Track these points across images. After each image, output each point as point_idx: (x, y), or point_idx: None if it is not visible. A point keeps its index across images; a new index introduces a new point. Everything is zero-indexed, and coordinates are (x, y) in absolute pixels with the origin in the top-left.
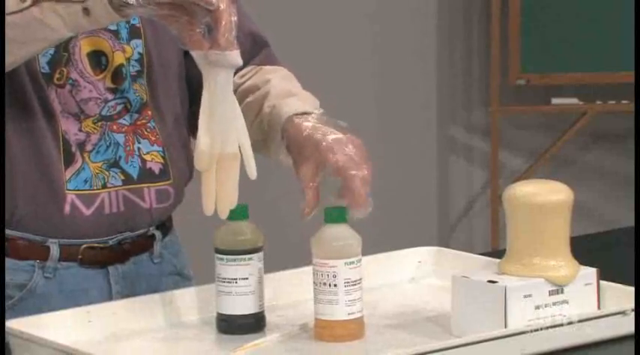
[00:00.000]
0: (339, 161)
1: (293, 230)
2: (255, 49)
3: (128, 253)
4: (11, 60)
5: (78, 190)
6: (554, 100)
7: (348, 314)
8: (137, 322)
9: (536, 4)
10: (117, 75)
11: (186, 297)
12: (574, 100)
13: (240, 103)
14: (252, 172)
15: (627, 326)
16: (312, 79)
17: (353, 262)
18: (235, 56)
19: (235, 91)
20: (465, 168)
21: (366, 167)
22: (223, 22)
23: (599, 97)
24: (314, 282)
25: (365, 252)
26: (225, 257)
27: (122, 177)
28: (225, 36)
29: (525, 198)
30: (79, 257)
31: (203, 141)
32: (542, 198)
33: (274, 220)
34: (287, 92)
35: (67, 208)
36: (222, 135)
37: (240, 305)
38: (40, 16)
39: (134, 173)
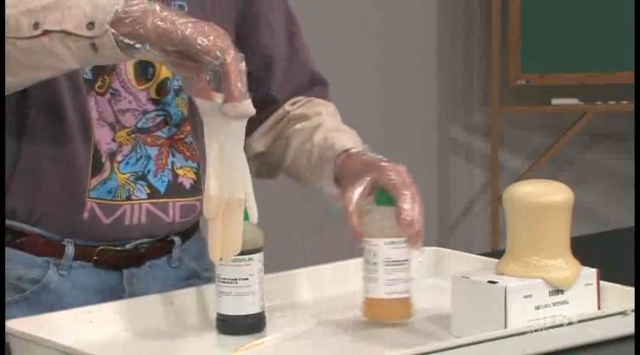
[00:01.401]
0: (396, 179)
1: (293, 230)
2: (312, 84)
3: (144, 257)
4: (18, 81)
5: (100, 199)
6: (554, 101)
7: (388, 293)
8: (137, 322)
9: (536, 4)
10: (162, 87)
11: (186, 297)
12: (574, 100)
13: (287, 129)
14: (254, 218)
15: (627, 326)
16: None
17: (394, 242)
18: (248, 105)
19: (281, 119)
20: (465, 169)
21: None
22: (232, 75)
23: (599, 97)
24: (363, 260)
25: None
26: None
27: (148, 191)
28: (237, 87)
29: (525, 198)
30: (95, 258)
31: (213, 187)
32: (543, 198)
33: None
34: (338, 128)
35: (86, 215)
36: (231, 183)
37: (240, 306)
38: (50, 46)
39: (161, 187)
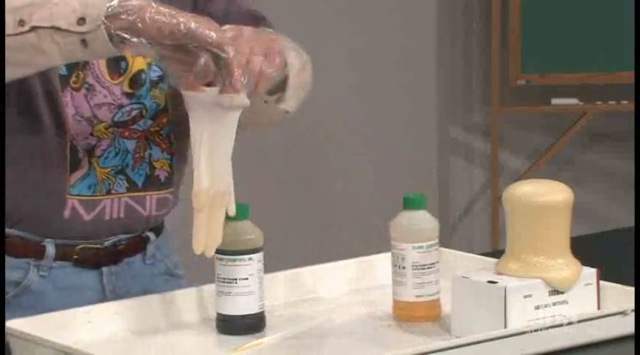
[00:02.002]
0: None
1: (293, 230)
2: (254, 26)
3: (122, 254)
4: (7, 77)
5: (80, 196)
6: (554, 100)
7: (416, 296)
8: (137, 322)
9: (536, 4)
10: (135, 80)
11: (186, 297)
12: (574, 100)
13: None
14: (232, 210)
15: (627, 326)
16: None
17: (422, 247)
18: (244, 98)
19: None
20: (465, 169)
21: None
22: (236, 69)
23: (599, 97)
24: (391, 264)
25: (365, 252)
26: (225, 257)
27: (126, 185)
28: (239, 80)
29: (525, 198)
30: (75, 257)
31: (203, 180)
32: (542, 198)
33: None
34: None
35: (67, 213)
36: (221, 174)
37: (240, 306)
38: (37, 43)
39: (139, 180)
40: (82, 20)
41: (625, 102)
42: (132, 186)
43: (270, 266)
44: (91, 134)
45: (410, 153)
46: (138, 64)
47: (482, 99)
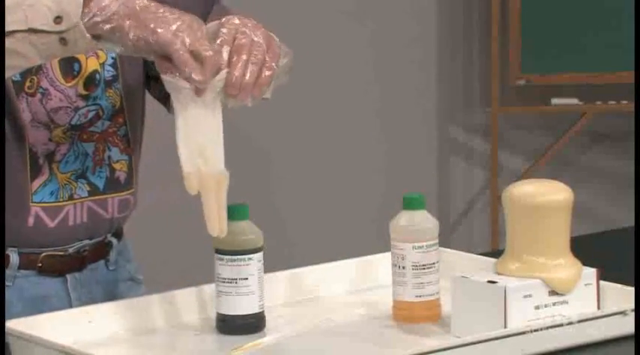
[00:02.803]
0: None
1: (293, 230)
2: (207, 9)
3: (86, 260)
4: None
5: (43, 203)
6: (554, 100)
7: (416, 296)
8: (137, 322)
9: (536, 4)
10: (89, 81)
11: (186, 297)
12: (574, 100)
13: None
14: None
15: (627, 326)
16: (311, 79)
17: (422, 247)
18: (209, 81)
19: None
20: (464, 169)
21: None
22: (209, 67)
23: (599, 97)
24: (391, 264)
25: (365, 252)
26: (225, 257)
27: (88, 189)
28: (208, 68)
29: (525, 198)
30: (39, 265)
31: (185, 164)
32: (542, 198)
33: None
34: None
35: (31, 221)
36: (211, 158)
37: (240, 306)
38: (14, 47)
39: (100, 183)
40: (58, 19)
41: (625, 102)
42: (93, 190)
43: (270, 267)
44: (50, 139)
45: (410, 153)
46: (92, 64)
47: (482, 99)
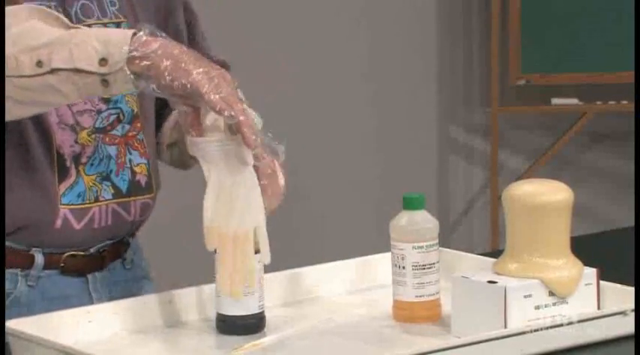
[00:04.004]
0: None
1: (293, 230)
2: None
3: (105, 260)
4: (14, 117)
5: (71, 205)
6: (554, 100)
7: (417, 296)
8: (137, 322)
9: (536, 4)
10: None
11: (186, 297)
12: (574, 100)
13: None
14: (266, 257)
15: (627, 326)
16: (312, 79)
17: (422, 247)
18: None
19: None
20: (464, 168)
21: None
22: (245, 129)
23: (599, 97)
24: (391, 264)
25: (365, 252)
26: None
27: (112, 191)
28: (252, 139)
29: (525, 198)
30: (61, 265)
31: (208, 218)
32: (542, 198)
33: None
34: None
35: (59, 222)
36: (236, 215)
37: (240, 306)
38: (56, 84)
39: (123, 187)
40: (103, 61)
41: (625, 102)
42: (117, 193)
43: (270, 266)
44: (76, 141)
45: (410, 153)
46: None
47: (482, 99)
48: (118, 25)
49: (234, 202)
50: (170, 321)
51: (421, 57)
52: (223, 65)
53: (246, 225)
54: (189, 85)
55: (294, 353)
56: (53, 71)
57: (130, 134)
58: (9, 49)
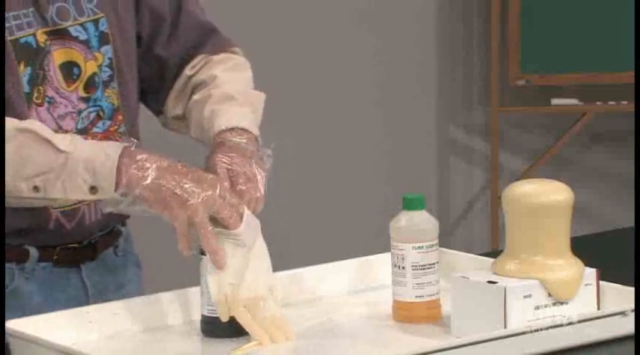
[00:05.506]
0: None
1: (293, 230)
2: (202, 38)
3: (97, 249)
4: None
5: (62, 207)
6: (554, 101)
7: (416, 296)
8: (137, 322)
9: (536, 4)
10: (89, 84)
11: (187, 297)
12: (574, 101)
13: (190, 99)
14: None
15: (627, 326)
16: (312, 80)
17: (422, 247)
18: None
19: (186, 85)
20: (464, 169)
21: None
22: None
23: (599, 98)
24: (391, 264)
25: (365, 252)
26: None
27: None
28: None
29: (525, 198)
30: (55, 257)
31: (214, 292)
32: (542, 198)
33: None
34: (227, 95)
35: (52, 225)
36: (249, 284)
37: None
38: (50, 202)
39: None
40: (93, 189)
41: (625, 102)
42: None
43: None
44: None
45: (410, 154)
46: (90, 67)
47: (482, 99)
48: (96, 22)
49: (235, 269)
50: (171, 321)
51: (421, 57)
52: (210, 28)
53: (252, 291)
54: (170, 220)
55: (293, 353)
56: (50, 199)
57: (112, 129)
58: (8, 178)
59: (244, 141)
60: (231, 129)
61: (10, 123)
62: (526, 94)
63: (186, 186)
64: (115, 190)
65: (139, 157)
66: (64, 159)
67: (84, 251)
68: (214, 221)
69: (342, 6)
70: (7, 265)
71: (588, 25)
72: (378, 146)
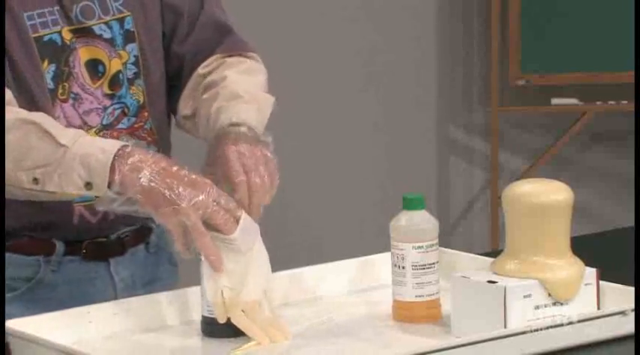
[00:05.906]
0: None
1: (293, 230)
2: (217, 37)
3: (126, 245)
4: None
5: (85, 202)
6: (554, 100)
7: (416, 296)
8: (137, 322)
9: (536, 5)
10: (114, 81)
11: (188, 297)
12: (574, 100)
13: (200, 98)
14: (265, 313)
15: (627, 326)
16: (311, 79)
17: (422, 247)
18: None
19: (199, 84)
20: (464, 169)
21: (259, 175)
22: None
23: (599, 97)
24: (391, 264)
25: (365, 252)
26: None
27: None
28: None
29: (525, 198)
30: (83, 251)
31: (210, 294)
32: (542, 198)
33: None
34: (234, 94)
35: (76, 219)
36: (248, 287)
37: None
38: (49, 195)
39: None
40: (88, 185)
41: (625, 102)
42: None
43: (270, 267)
44: None
45: (410, 153)
46: (115, 65)
47: (482, 99)
48: (121, 20)
49: (231, 272)
50: (172, 321)
51: (421, 57)
52: (227, 29)
53: (250, 294)
54: (160, 221)
55: (293, 353)
56: (49, 193)
57: (137, 125)
58: (8, 167)
59: (246, 130)
60: (236, 124)
61: (17, 113)
62: (526, 94)
63: (178, 189)
64: (109, 188)
65: (134, 157)
66: (62, 153)
67: (112, 246)
68: (210, 224)
69: (342, 6)
70: (33, 257)
71: (588, 25)
72: (378, 146)
